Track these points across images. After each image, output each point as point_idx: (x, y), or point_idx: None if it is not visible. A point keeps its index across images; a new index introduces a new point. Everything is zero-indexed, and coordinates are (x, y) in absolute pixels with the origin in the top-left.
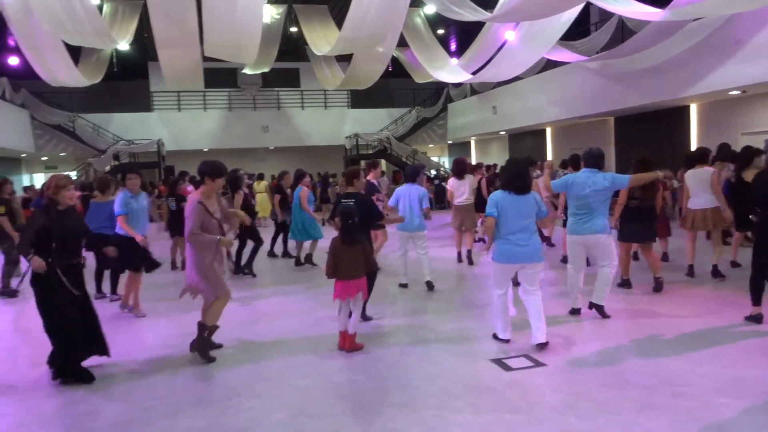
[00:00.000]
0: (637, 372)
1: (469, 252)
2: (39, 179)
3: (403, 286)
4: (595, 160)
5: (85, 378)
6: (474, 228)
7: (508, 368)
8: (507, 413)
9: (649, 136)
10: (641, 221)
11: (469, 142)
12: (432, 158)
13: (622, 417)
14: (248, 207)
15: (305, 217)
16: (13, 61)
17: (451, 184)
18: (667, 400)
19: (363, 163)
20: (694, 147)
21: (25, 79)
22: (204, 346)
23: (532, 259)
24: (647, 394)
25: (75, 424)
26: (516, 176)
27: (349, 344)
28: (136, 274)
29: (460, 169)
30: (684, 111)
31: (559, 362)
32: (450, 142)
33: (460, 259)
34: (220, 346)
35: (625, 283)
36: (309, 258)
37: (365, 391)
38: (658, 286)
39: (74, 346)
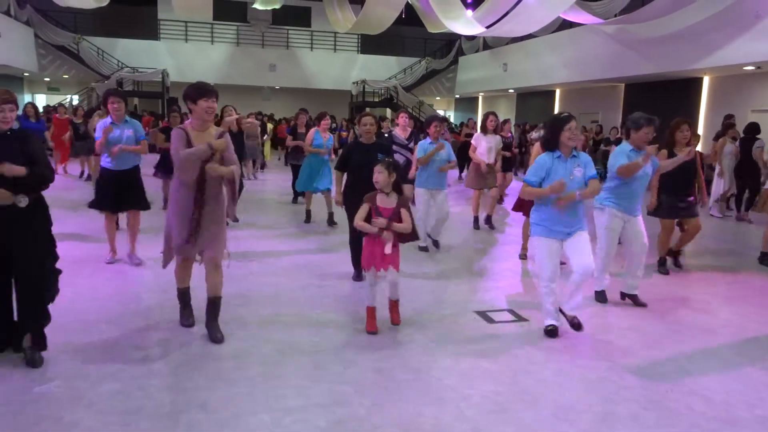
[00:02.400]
0: (619, 335)
1: (489, 217)
2: (41, 100)
3: (423, 249)
4: None
5: None
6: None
7: (491, 321)
8: (486, 362)
9: (659, 105)
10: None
11: (476, 98)
12: (438, 111)
13: (596, 374)
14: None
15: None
16: None
17: (477, 139)
18: (643, 360)
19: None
20: (702, 120)
21: None
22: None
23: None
24: (626, 354)
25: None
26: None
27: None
28: (111, 215)
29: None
30: (696, 83)
31: (542, 318)
32: (457, 96)
33: (476, 225)
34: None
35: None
36: (330, 218)
37: (354, 332)
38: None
39: None
